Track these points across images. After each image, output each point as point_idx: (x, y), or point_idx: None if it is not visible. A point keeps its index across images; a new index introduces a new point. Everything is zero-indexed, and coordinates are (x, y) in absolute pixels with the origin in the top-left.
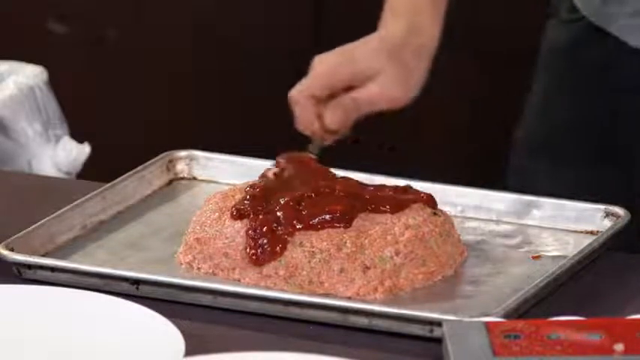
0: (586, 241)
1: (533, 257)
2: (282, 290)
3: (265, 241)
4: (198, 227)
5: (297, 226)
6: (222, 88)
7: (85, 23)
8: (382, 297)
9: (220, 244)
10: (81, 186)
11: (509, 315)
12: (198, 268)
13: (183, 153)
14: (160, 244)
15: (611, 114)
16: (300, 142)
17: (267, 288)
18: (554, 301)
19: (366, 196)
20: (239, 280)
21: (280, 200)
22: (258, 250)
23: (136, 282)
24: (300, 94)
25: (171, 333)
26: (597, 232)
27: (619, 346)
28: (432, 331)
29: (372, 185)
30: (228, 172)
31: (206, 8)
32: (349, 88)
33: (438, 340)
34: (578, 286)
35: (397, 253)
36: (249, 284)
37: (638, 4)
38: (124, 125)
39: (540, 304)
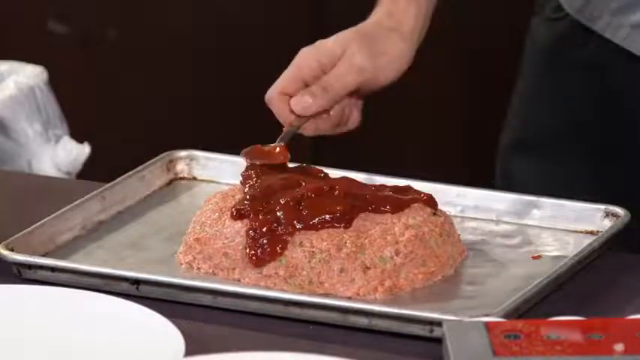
0: (586, 241)
1: (533, 257)
2: (282, 290)
3: (265, 241)
4: (198, 227)
5: (297, 226)
6: (222, 88)
7: (85, 23)
8: (382, 297)
9: (220, 244)
10: (81, 186)
11: (509, 315)
12: (198, 268)
13: (183, 153)
14: (160, 244)
15: (596, 113)
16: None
17: (267, 288)
18: (554, 301)
19: (366, 196)
20: (239, 280)
21: (280, 200)
22: (258, 251)
23: (136, 282)
24: (271, 92)
25: (171, 333)
26: (597, 232)
27: (619, 346)
28: (432, 331)
29: (372, 185)
30: (228, 172)
31: (206, 8)
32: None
33: (438, 340)
34: (578, 286)
35: (397, 253)
36: (249, 284)
37: (621, 0)
38: (124, 125)
39: (540, 304)
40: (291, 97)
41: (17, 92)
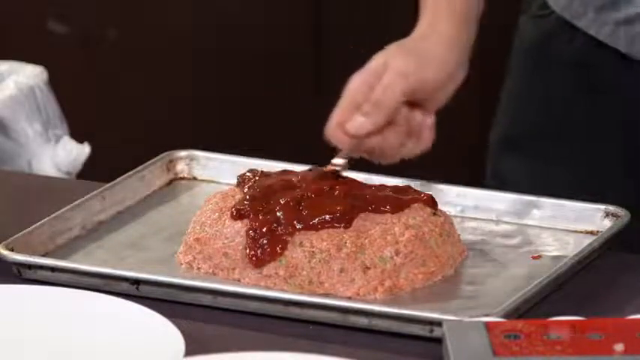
0: (586, 241)
1: (533, 257)
2: (282, 290)
3: (265, 241)
4: (198, 227)
5: (297, 226)
6: (222, 88)
7: (85, 23)
8: (382, 297)
9: (220, 244)
10: (81, 186)
11: (509, 315)
12: (198, 268)
13: (183, 153)
14: (160, 244)
15: (583, 110)
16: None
17: (267, 288)
18: (554, 301)
19: (366, 196)
20: (239, 280)
21: (280, 200)
22: (258, 251)
23: (136, 282)
24: (330, 127)
25: (171, 333)
26: (597, 232)
27: (619, 346)
28: (432, 331)
29: (372, 185)
30: (228, 172)
31: (206, 8)
32: None
33: (438, 340)
34: (578, 286)
35: (397, 253)
36: (249, 284)
37: None
38: (124, 125)
39: (540, 304)
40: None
41: (17, 92)
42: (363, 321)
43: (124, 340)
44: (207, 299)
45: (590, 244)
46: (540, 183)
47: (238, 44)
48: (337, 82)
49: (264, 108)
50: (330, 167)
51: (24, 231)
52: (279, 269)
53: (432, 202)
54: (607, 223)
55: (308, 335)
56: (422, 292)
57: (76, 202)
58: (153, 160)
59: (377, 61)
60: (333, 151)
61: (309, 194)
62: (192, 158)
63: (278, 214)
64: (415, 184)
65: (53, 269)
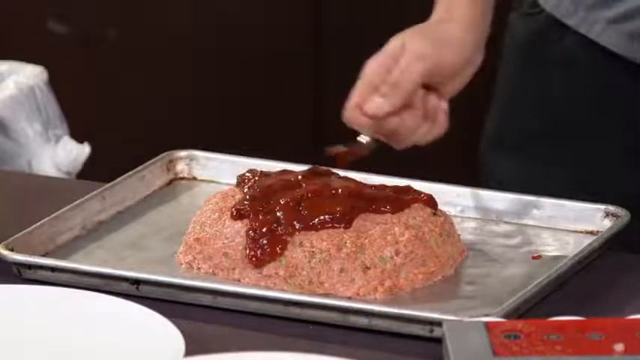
0: (586, 241)
1: (533, 257)
2: (282, 290)
3: (265, 241)
4: (198, 227)
5: (297, 227)
6: (222, 88)
7: (85, 23)
8: (382, 297)
9: (220, 244)
10: (81, 186)
11: (509, 315)
12: (198, 268)
13: (183, 153)
14: (160, 244)
15: (573, 109)
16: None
17: (267, 288)
18: (554, 301)
19: (366, 196)
20: (239, 280)
21: (280, 200)
22: (258, 252)
23: (136, 282)
24: (348, 110)
25: (171, 333)
26: (597, 232)
27: (619, 346)
28: (432, 331)
29: (372, 185)
30: (228, 172)
31: (206, 8)
32: None
33: (438, 340)
34: (578, 286)
35: (397, 253)
36: (249, 284)
37: None
38: (124, 125)
39: (540, 304)
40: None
41: (17, 92)
42: (363, 321)
43: (124, 340)
44: (207, 299)
45: (590, 244)
46: (540, 183)
47: (238, 44)
48: (337, 82)
49: (264, 108)
50: (333, 150)
51: (24, 231)
52: (279, 269)
53: (432, 202)
54: (607, 223)
55: (308, 335)
56: (422, 292)
57: (76, 202)
58: (153, 160)
59: (394, 43)
60: (354, 134)
61: (309, 194)
62: (192, 158)
63: (278, 214)
64: (415, 184)
65: (53, 269)
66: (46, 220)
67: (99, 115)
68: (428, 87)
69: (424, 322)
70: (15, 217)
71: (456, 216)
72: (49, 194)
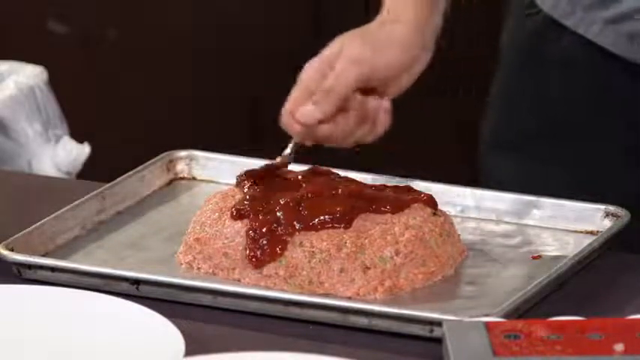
0: (586, 241)
1: (533, 257)
2: (282, 290)
3: (265, 241)
4: (198, 227)
5: (297, 227)
6: (222, 88)
7: (85, 23)
8: (382, 297)
9: (220, 244)
10: (81, 186)
11: (509, 315)
12: (198, 268)
13: (183, 153)
14: (160, 244)
15: (571, 109)
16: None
17: (267, 288)
18: (554, 301)
19: (366, 196)
20: (239, 280)
21: (280, 201)
22: (258, 252)
23: (136, 282)
24: (283, 116)
25: (171, 333)
26: (597, 232)
27: (619, 346)
28: (432, 331)
29: (372, 185)
30: (228, 172)
31: (206, 8)
32: None
33: (438, 340)
34: (578, 286)
35: (397, 253)
36: (249, 284)
37: None
38: (124, 125)
39: (540, 304)
40: None
41: (17, 92)
42: (363, 321)
43: (124, 340)
44: (207, 299)
45: (590, 244)
46: (539, 184)
47: (238, 44)
48: None
49: (264, 108)
50: (278, 159)
51: (24, 231)
52: (279, 269)
53: (432, 202)
54: (607, 223)
55: (308, 335)
56: (422, 292)
57: (76, 202)
58: (153, 160)
59: (332, 48)
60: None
61: (309, 194)
62: (192, 158)
63: (278, 214)
64: (415, 184)
65: (53, 269)
66: (46, 220)
67: (99, 115)
68: (367, 89)
69: (424, 322)
70: (15, 217)
71: (456, 216)
72: (49, 194)
